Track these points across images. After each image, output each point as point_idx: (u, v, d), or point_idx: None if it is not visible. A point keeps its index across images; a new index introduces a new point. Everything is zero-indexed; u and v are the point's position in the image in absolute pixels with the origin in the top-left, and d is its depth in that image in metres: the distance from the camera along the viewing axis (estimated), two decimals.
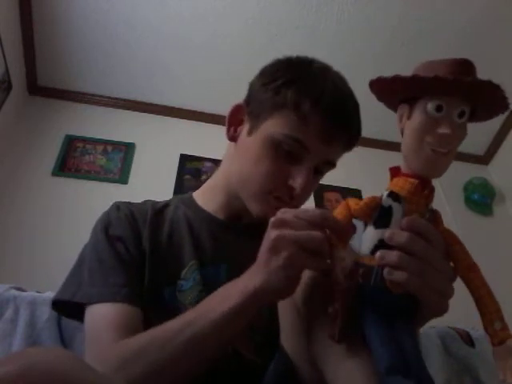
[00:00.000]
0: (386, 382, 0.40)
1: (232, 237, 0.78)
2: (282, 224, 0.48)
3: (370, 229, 0.46)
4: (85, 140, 2.25)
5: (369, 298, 0.45)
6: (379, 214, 0.46)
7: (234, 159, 0.77)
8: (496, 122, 2.45)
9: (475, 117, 0.46)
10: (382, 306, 0.44)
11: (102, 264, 0.69)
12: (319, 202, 2.24)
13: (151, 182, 2.11)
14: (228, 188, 0.79)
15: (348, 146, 0.74)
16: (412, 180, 0.45)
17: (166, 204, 0.83)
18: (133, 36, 2.14)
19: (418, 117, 0.45)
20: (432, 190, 0.46)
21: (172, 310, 0.67)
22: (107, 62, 2.24)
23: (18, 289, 1.00)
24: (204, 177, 2.25)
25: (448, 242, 0.45)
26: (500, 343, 0.42)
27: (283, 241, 0.47)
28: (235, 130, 0.78)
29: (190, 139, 2.36)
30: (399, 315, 0.44)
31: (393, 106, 0.49)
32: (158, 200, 0.85)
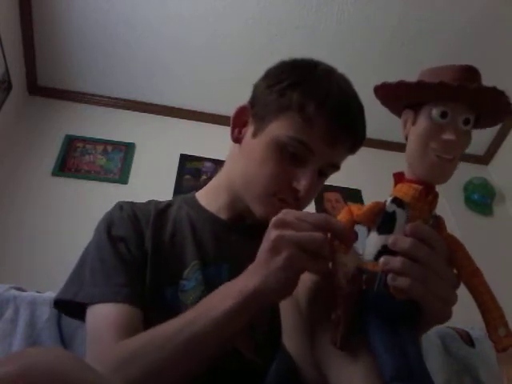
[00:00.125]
0: None
1: (234, 237, 0.78)
2: (282, 224, 0.48)
3: (374, 234, 0.46)
4: (85, 140, 2.25)
5: (372, 304, 0.45)
6: (383, 220, 0.45)
7: (238, 161, 0.78)
8: None
9: (479, 123, 0.46)
10: (386, 311, 0.44)
11: (103, 264, 0.69)
12: (319, 202, 2.24)
13: (151, 182, 2.11)
14: (231, 189, 0.79)
15: (352, 148, 0.74)
16: (416, 186, 0.45)
17: (169, 204, 0.83)
18: (133, 36, 2.14)
19: (422, 123, 0.45)
20: (436, 196, 0.46)
21: (174, 309, 0.67)
22: (107, 62, 2.24)
23: (18, 289, 1.00)
24: (204, 177, 2.25)
25: (451, 248, 0.45)
26: (504, 350, 0.42)
27: (283, 241, 0.47)
28: (240, 132, 0.78)
29: (190, 139, 2.36)
30: (402, 321, 0.44)
31: (397, 112, 0.49)
32: (159, 200, 0.85)
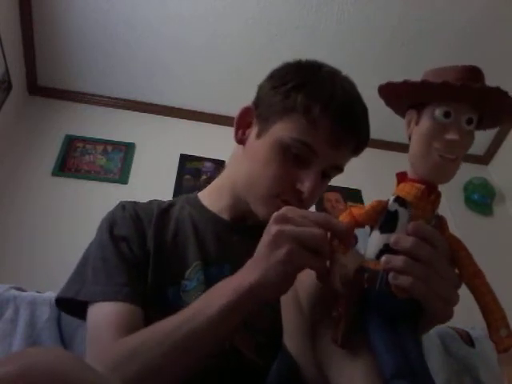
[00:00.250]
0: None
1: (237, 237, 0.78)
2: (283, 220, 0.48)
3: (376, 233, 0.46)
4: (85, 140, 2.25)
5: (374, 303, 0.45)
6: (385, 219, 0.46)
7: (241, 162, 0.78)
8: None
9: (482, 124, 0.46)
10: (387, 310, 0.44)
11: (105, 263, 0.70)
12: (319, 202, 2.24)
13: (151, 182, 2.11)
14: (234, 190, 0.79)
15: (356, 150, 0.75)
16: (419, 185, 0.45)
17: (172, 203, 0.83)
18: (133, 36, 2.14)
19: (425, 122, 0.45)
20: (438, 195, 0.46)
21: (176, 309, 0.67)
22: (107, 62, 2.24)
23: (18, 289, 1.00)
24: (204, 177, 2.25)
25: (453, 248, 0.45)
26: (505, 350, 0.42)
27: (283, 235, 0.47)
28: (243, 133, 0.78)
29: (190, 139, 2.36)
30: (404, 320, 0.44)
31: (401, 112, 0.49)
32: (161, 200, 0.85)
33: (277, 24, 2.11)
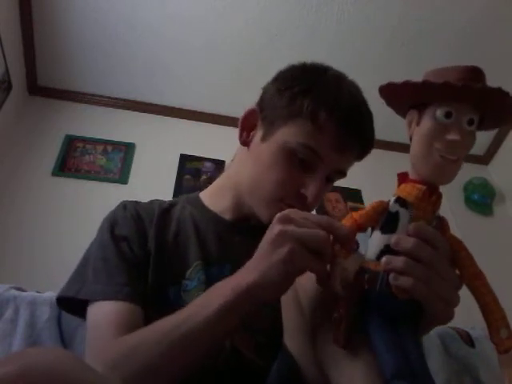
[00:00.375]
0: None
1: (238, 238, 0.78)
2: (287, 220, 0.48)
3: (377, 234, 0.46)
4: (85, 140, 2.25)
5: (374, 304, 0.45)
6: (386, 220, 0.45)
7: (245, 164, 0.78)
8: None
9: (483, 125, 0.46)
10: (388, 311, 0.44)
11: (106, 263, 0.70)
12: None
13: (151, 182, 2.11)
14: (237, 191, 0.79)
15: (361, 155, 0.75)
16: (420, 186, 0.45)
17: (173, 203, 0.83)
18: (133, 36, 2.14)
19: (427, 123, 0.45)
20: (439, 196, 0.46)
21: (176, 309, 0.67)
22: (107, 62, 2.24)
23: (18, 289, 1.00)
24: (204, 177, 2.25)
25: (454, 249, 0.45)
26: (506, 351, 0.42)
27: (286, 235, 0.47)
28: (248, 135, 0.78)
29: (190, 139, 2.36)
30: (404, 321, 0.44)
31: (402, 112, 0.49)
32: (162, 200, 0.85)
33: (277, 24, 2.11)
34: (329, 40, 2.16)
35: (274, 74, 0.79)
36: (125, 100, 2.40)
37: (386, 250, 0.44)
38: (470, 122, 0.44)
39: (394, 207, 0.45)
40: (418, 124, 0.46)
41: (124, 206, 0.79)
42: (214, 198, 0.83)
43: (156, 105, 2.42)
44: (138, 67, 2.26)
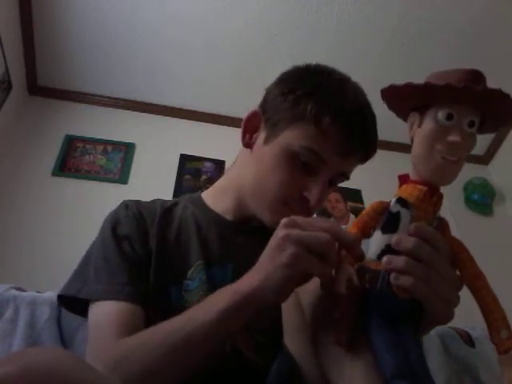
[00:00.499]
0: None
1: (240, 238, 0.78)
2: (292, 225, 0.48)
3: (377, 234, 0.46)
4: (85, 140, 2.25)
5: (375, 303, 0.45)
6: (387, 220, 0.46)
7: (248, 166, 0.77)
8: None
9: (484, 128, 0.47)
10: (388, 310, 0.44)
11: (107, 262, 0.70)
12: None
13: (151, 182, 2.11)
14: (239, 193, 0.79)
15: (364, 159, 0.74)
16: (421, 187, 0.45)
17: (175, 203, 0.83)
18: (133, 36, 2.14)
19: (428, 124, 0.45)
20: (440, 197, 0.46)
21: (178, 309, 0.67)
22: (107, 62, 2.24)
23: (18, 289, 1.00)
24: (204, 177, 2.25)
25: (455, 250, 0.46)
26: (506, 352, 0.42)
27: (290, 239, 0.47)
28: (251, 137, 0.78)
29: (190, 139, 2.36)
30: (404, 321, 0.44)
31: (403, 115, 0.50)
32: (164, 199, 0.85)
33: (277, 24, 2.11)
34: (329, 40, 2.16)
35: (274, 74, 0.79)
36: (125, 100, 2.40)
37: (387, 249, 0.44)
38: (471, 124, 0.44)
39: (395, 207, 0.45)
40: (419, 126, 0.46)
41: (126, 205, 0.79)
42: (216, 198, 0.83)
43: (156, 105, 2.42)
44: (138, 67, 2.26)
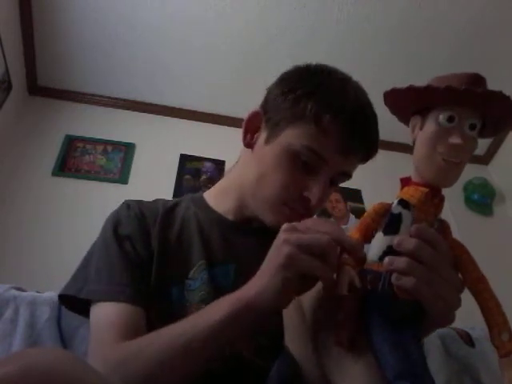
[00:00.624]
0: None
1: (242, 238, 0.78)
2: (292, 230, 0.49)
3: (379, 235, 0.46)
4: (85, 140, 2.25)
5: (376, 304, 0.45)
6: (388, 221, 0.46)
7: (249, 166, 0.77)
8: None
9: (485, 132, 0.47)
10: (389, 311, 0.44)
11: (108, 263, 0.70)
12: None
13: (151, 182, 2.11)
14: (240, 194, 0.79)
15: (365, 158, 0.74)
16: (422, 188, 0.46)
17: (177, 203, 0.83)
18: (133, 36, 2.14)
19: (430, 127, 0.46)
20: (442, 199, 0.47)
21: (180, 308, 0.68)
22: (107, 62, 2.24)
23: (18, 289, 1.00)
24: (204, 177, 2.25)
25: (456, 252, 0.46)
26: (507, 355, 0.43)
27: (289, 242, 0.47)
28: (252, 137, 0.77)
29: (190, 139, 2.36)
30: (406, 322, 0.44)
31: (405, 119, 0.50)
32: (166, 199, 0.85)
33: (277, 24, 2.11)
34: (329, 40, 2.16)
35: (274, 74, 0.79)
36: (125, 100, 2.40)
37: (389, 251, 0.44)
38: (472, 127, 0.45)
39: (396, 209, 0.46)
40: (421, 128, 0.47)
41: (127, 205, 0.79)
42: (219, 198, 0.83)
43: (156, 105, 2.42)
44: (138, 67, 2.26)
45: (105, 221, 0.78)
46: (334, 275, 0.47)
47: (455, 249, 0.46)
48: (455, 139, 0.44)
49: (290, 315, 0.57)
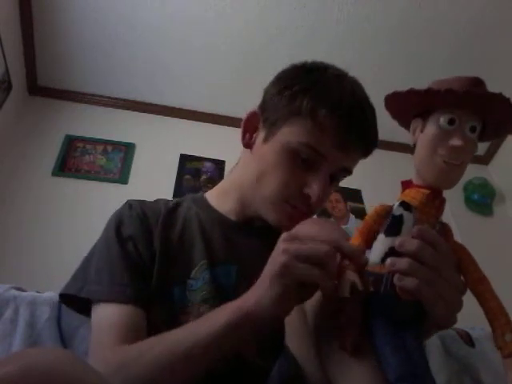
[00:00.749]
0: None
1: (243, 238, 0.78)
2: (292, 239, 0.49)
3: (381, 237, 0.46)
4: (85, 140, 2.25)
5: (378, 306, 0.45)
6: (390, 223, 0.46)
7: (248, 166, 0.77)
8: None
9: (485, 135, 0.48)
10: (391, 312, 0.44)
11: (110, 263, 0.70)
12: None
13: (151, 182, 2.11)
14: (241, 194, 0.79)
15: (365, 153, 0.74)
16: (424, 190, 0.46)
17: (178, 203, 0.83)
18: (133, 36, 2.14)
19: (430, 129, 0.46)
20: (443, 201, 0.47)
21: (181, 308, 0.68)
22: (107, 62, 2.24)
23: (18, 289, 1.00)
24: (204, 177, 2.25)
25: (458, 254, 0.46)
26: (510, 355, 0.43)
27: (287, 252, 0.47)
28: (250, 137, 0.78)
29: (190, 139, 2.36)
30: (408, 323, 0.44)
31: (406, 122, 0.51)
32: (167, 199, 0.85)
33: (277, 24, 2.11)
34: (329, 40, 2.16)
35: (274, 74, 0.79)
36: (125, 100, 2.40)
37: (391, 252, 0.44)
38: (473, 129, 0.45)
39: (398, 210, 0.46)
40: (422, 131, 0.47)
41: (130, 205, 0.79)
42: (220, 199, 0.83)
43: (156, 105, 2.42)
44: (138, 67, 2.26)
45: (107, 221, 0.78)
46: (335, 281, 0.47)
47: (457, 251, 0.46)
48: (456, 141, 0.44)
49: (291, 317, 0.57)
